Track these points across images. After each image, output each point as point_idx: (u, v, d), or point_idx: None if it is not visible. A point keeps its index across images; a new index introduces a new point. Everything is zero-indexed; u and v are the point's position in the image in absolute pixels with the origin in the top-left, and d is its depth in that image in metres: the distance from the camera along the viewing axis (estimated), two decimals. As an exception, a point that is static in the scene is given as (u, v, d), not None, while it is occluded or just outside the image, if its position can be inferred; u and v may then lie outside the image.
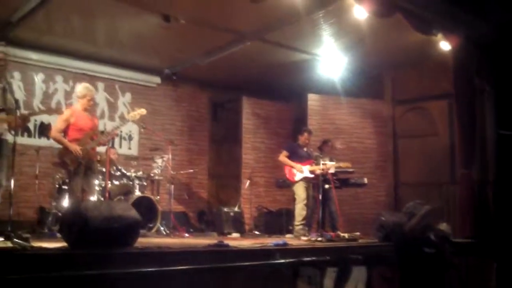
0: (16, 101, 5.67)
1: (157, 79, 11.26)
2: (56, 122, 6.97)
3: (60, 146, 6.85)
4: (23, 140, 9.32)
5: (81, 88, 7.12)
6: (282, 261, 5.41)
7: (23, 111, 6.00)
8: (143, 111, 7.38)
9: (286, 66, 10.41)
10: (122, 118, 10.70)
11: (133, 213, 4.95)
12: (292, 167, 8.82)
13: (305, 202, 8.67)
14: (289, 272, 5.70)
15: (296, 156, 8.92)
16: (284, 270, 5.57)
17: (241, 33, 9.00)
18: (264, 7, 6.97)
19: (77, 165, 6.62)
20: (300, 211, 8.66)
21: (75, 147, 6.64)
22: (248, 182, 10.41)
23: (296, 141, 9.23)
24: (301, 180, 8.76)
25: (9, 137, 5.99)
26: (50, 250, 4.57)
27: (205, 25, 8.60)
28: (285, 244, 5.99)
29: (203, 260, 5.02)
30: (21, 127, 6.12)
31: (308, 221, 8.75)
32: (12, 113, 5.92)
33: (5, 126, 5.93)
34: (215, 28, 8.74)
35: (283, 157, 8.97)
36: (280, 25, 8.48)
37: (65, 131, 6.83)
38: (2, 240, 5.13)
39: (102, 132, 7.28)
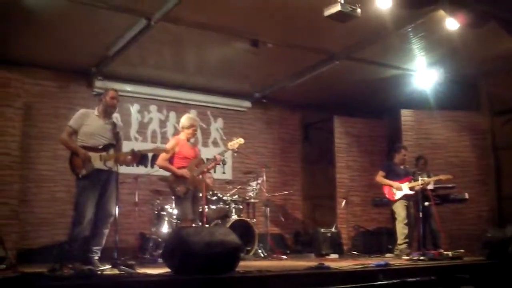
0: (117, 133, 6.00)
1: (247, 103, 11.39)
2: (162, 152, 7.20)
3: (160, 171, 7.07)
4: (122, 169, 9.63)
5: (185, 119, 7.29)
6: (385, 282, 5.26)
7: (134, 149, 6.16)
8: (241, 140, 7.44)
9: (376, 82, 10.26)
10: (216, 144, 10.92)
11: (234, 238, 4.99)
12: (390, 186, 8.66)
13: (406, 221, 8.49)
14: (393, 293, 5.53)
15: (394, 174, 8.76)
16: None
17: (330, 52, 8.97)
18: (352, 25, 6.89)
19: (186, 191, 6.79)
20: (401, 230, 8.49)
21: (186, 172, 6.82)
22: (344, 202, 10.28)
23: (392, 159, 9.05)
24: (401, 198, 8.58)
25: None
26: (154, 277, 4.67)
27: (292, 47, 8.66)
28: (387, 264, 5.83)
29: (304, 283, 4.97)
30: (129, 163, 6.44)
31: (409, 240, 8.51)
32: (120, 149, 6.22)
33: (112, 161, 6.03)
34: (303, 49, 8.77)
35: (380, 177, 8.85)
36: (369, 42, 8.40)
37: (170, 160, 7.03)
38: (110, 267, 5.33)
39: (205, 160, 7.44)
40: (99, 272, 4.96)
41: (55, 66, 9.36)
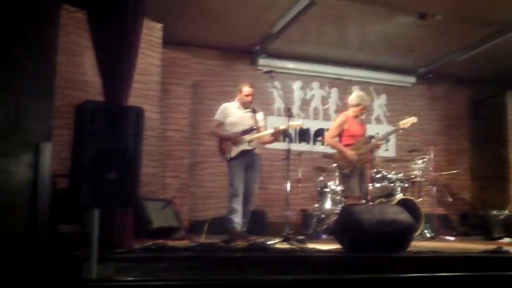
0: (289, 109, 6.21)
1: (411, 79, 11.00)
2: (331, 129, 7.20)
3: (322, 148, 7.08)
4: (284, 145, 9.79)
5: (354, 96, 7.17)
6: None
7: (296, 120, 6.75)
8: (414, 119, 7.18)
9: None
10: (379, 121, 10.70)
11: (406, 216, 4.85)
12: None
13: None
14: None
15: None
16: None
17: (504, 23, 8.32)
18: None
19: (352, 168, 6.73)
20: None
21: (351, 153, 6.76)
22: (518, 183, 9.60)
23: None
24: None
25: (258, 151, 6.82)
26: (327, 252, 4.67)
27: (463, 19, 8.16)
28: None
29: (480, 267, 4.70)
30: (272, 142, 6.85)
31: None
32: (262, 130, 6.76)
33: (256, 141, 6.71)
34: (475, 21, 8.24)
35: None
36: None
37: (339, 137, 7.01)
38: (281, 241, 5.42)
39: (372, 138, 7.29)
40: (270, 246, 5.05)
41: (220, 46, 9.71)
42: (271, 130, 6.62)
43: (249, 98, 6.74)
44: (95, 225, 3.43)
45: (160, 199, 7.02)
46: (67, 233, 4.02)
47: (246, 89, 6.71)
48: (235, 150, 6.55)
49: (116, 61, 4.35)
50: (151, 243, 4.64)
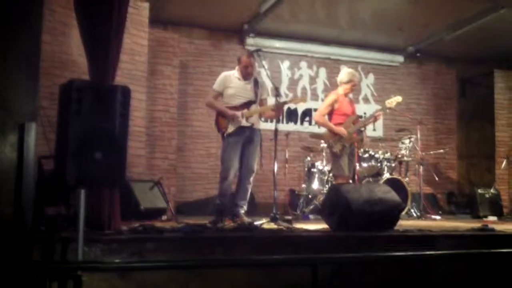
0: (277, 88, 6.05)
1: (400, 58, 10.98)
2: (321, 107, 7.12)
3: (310, 128, 7.04)
4: (272, 126, 9.78)
5: (344, 74, 7.09)
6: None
7: (283, 98, 6.27)
8: (399, 98, 7.15)
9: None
10: (367, 100, 10.71)
11: (393, 196, 4.87)
12: None
13: None
14: None
15: None
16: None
17: (494, 1, 8.29)
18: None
19: (343, 148, 6.69)
20: None
21: (342, 130, 6.72)
22: (504, 162, 9.64)
23: None
24: None
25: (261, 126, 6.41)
26: (314, 232, 4.69)
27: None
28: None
29: (467, 245, 4.75)
30: (274, 117, 6.43)
31: None
32: (264, 104, 6.36)
33: (257, 116, 6.29)
34: (464, -1, 8.22)
35: None
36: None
37: (329, 116, 6.96)
38: (268, 221, 5.42)
39: (361, 117, 7.27)
40: (258, 226, 5.06)
41: (208, 25, 9.65)
42: (271, 105, 6.27)
43: (249, 70, 6.29)
44: (82, 206, 3.40)
45: (147, 181, 6.98)
46: (53, 214, 4.00)
47: (244, 59, 6.28)
48: (232, 126, 6.13)
49: (102, 41, 4.30)
50: (138, 224, 4.64)
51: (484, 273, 4.69)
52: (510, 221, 8.02)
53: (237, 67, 6.39)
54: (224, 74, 6.42)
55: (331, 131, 6.79)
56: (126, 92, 3.57)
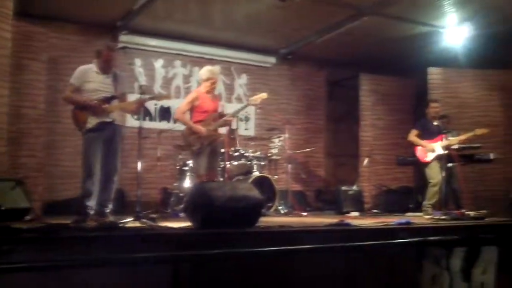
0: (141, 86, 6.00)
1: (272, 59, 11.28)
2: (182, 104, 7.18)
3: (183, 127, 7.09)
4: (144, 123, 9.66)
5: (205, 71, 7.21)
6: (407, 240, 5.26)
7: (144, 95, 6.18)
8: (264, 95, 7.39)
9: (405, 40, 10.02)
10: (239, 100, 10.89)
11: (256, 193, 5.02)
12: (423, 147, 8.39)
13: (440, 185, 8.00)
14: (414, 252, 5.54)
15: (428, 133, 8.46)
16: (409, 250, 5.42)
17: (358, 8, 8.77)
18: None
19: (201, 146, 6.77)
20: (433, 193, 8.17)
21: (200, 128, 6.78)
22: (367, 160, 10.19)
23: (425, 116, 8.72)
24: (434, 159, 8.24)
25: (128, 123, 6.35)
26: (176, 230, 4.73)
27: (321, 1, 8.48)
28: (408, 223, 5.82)
29: (324, 239, 5.00)
30: (135, 113, 6.35)
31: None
32: (125, 99, 6.25)
33: (118, 112, 6.20)
34: (331, 4, 8.60)
35: (413, 136, 8.57)
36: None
37: (190, 113, 7.00)
38: (132, 220, 5.40)
39: (224, 115, 7.41)
40: (121, 225, 5.02)
41: (80, 20, 9.38)
42: (133, 101, 6.21)
43: (111, 64, 6.15)
44: None
45: (8, 179, 6.67)
46: None
47: (106, 53, 6.12)
48: (92, 121, 5.94)
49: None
50: (-6, 225, 4.43)
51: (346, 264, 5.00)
52: (370, 216, 8.48)
53: (95, 61, 6.20)
54: (81, 67, 6.22)
55: (190, 129, 6.86)
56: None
